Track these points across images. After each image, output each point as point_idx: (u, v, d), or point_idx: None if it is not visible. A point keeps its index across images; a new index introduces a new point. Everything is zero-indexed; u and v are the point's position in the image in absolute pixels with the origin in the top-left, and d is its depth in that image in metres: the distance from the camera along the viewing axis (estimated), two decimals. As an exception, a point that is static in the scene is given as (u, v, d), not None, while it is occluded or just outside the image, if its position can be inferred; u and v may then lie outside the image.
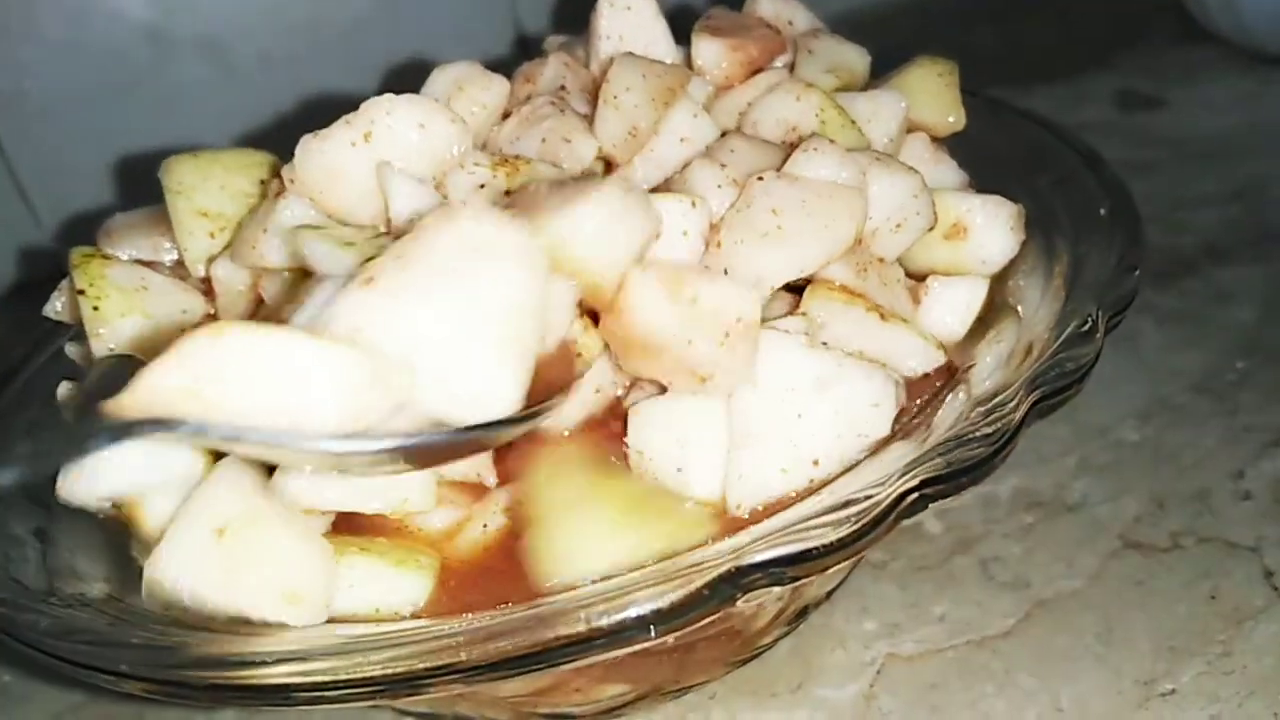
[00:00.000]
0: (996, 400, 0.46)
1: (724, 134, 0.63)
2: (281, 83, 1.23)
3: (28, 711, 0.74)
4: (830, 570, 0.41)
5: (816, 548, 0.40)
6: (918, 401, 0.54)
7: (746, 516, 0.51)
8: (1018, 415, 0.44)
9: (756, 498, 0.51)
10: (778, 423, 0.49)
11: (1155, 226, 1.00)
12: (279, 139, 0.61)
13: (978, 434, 0.44)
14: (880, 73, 0.72)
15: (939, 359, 0.56)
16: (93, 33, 1.17)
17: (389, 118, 0.56)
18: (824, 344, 0.51)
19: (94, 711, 0.72)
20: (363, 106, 0.57)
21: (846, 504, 0.43)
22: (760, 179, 0.54)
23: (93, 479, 0.52)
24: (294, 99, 1.24)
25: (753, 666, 0.66)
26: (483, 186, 0.56)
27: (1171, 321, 0.88)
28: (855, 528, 0.41)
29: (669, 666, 0.57)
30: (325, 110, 0.62)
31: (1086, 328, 0.49)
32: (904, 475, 0.43)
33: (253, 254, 0.56)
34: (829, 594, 0.65)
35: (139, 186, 1.17)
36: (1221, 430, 0.77)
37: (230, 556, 0.49)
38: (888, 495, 0.42)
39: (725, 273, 0.53)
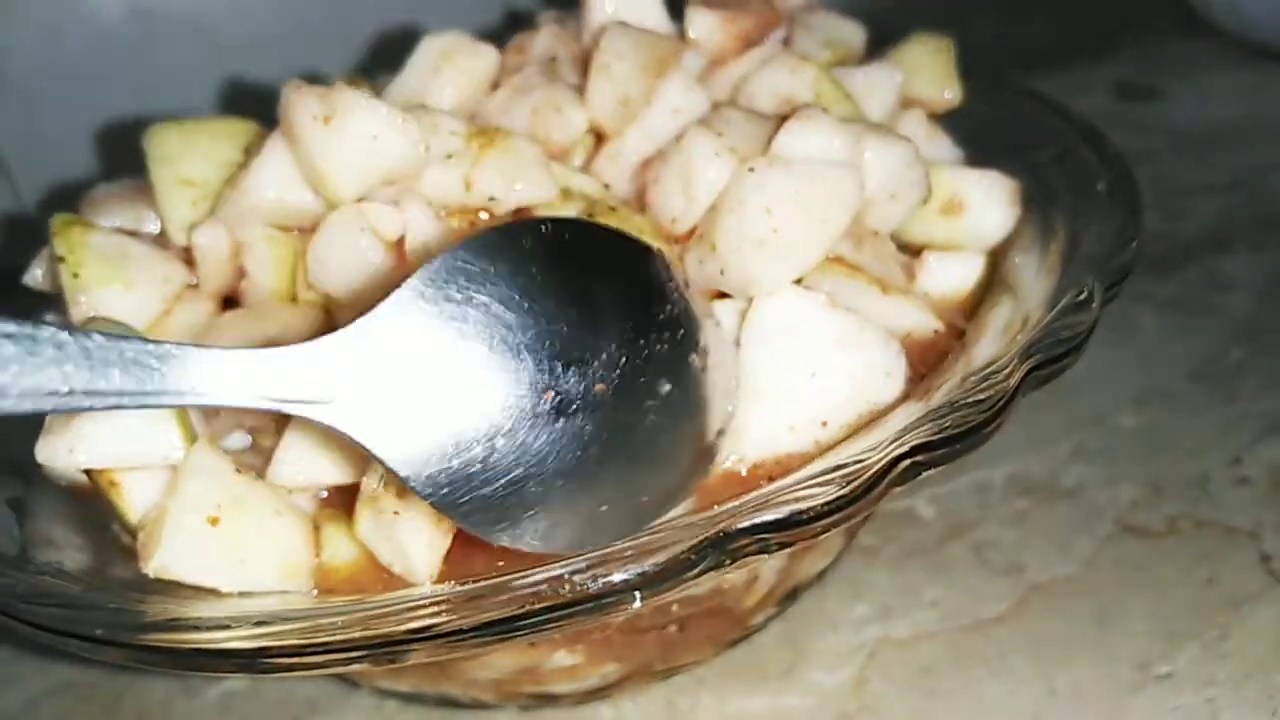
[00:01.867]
0: (990, 368, 0.46)
1: (718, 105, 0.62)
2: (269, 62, 1.22)
3: (4, 696, 0.73)
4: (821, 537, 0.40)
5: (804, 511, 0.39)
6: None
7: (744, 473, 0.50)
8: (1012, 382, 0.43)
9: (758, 453, 0.50)
10: (792, 378, 0.49)
11: (1154, 214, 0.99)
12: (267, 119, 0.60)
13: (970, 400, 0.43)
14: (876, 49, 0.71)
15: (937, 324, 0.55)
16: (77, 12, 1.15)
17: (349, 115, 0.54)
18: (836, 303, 0.50)
19: (74, 695, 0.71)
20: (334, 92, 0.56)
21: (837, 469, 0.41)
22: (751, 170, 0.53)
23: (72, 447, 0.51)
24: (282, 78, 1.22)
25: (742, 649, 0.65)
26: (449, 157, 0.56)
27: (1169, 309, 0.87)
28: (844, 491, 0.40)
29: (657, 645, 0.56)
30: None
31: (1082, 297, 0.48)
32: (896, 441, 0.42)
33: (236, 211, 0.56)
34: (820, 575, 0.64)
35: (122, 167, 1.17)
36: (1219, 416, 0.76)
37: (228, 541, 0.49)
38: (879, 460, 0.41)
39: (721, 274, 0.52)
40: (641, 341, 0.44)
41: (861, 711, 0.60)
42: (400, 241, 0.55)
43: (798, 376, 0.49)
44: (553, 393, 0.42)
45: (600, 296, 0.44)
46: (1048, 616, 0.64)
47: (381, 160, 0.55)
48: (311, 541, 0.50)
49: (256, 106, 0.63)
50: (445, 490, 0.41)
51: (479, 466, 0.41)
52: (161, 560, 0.47)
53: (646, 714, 0.62)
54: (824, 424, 0.49)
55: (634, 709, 0.63)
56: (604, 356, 0.43)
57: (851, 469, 0.41)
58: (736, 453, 0.50)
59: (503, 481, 0.42)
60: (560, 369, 0.42)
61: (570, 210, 0.56)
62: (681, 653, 0.59)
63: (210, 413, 0.54)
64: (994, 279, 0.59)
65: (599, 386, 0.44)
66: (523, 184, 0.57)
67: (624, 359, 0.44)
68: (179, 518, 0.47)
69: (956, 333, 0.55)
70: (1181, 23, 1.31)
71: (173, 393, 0.40)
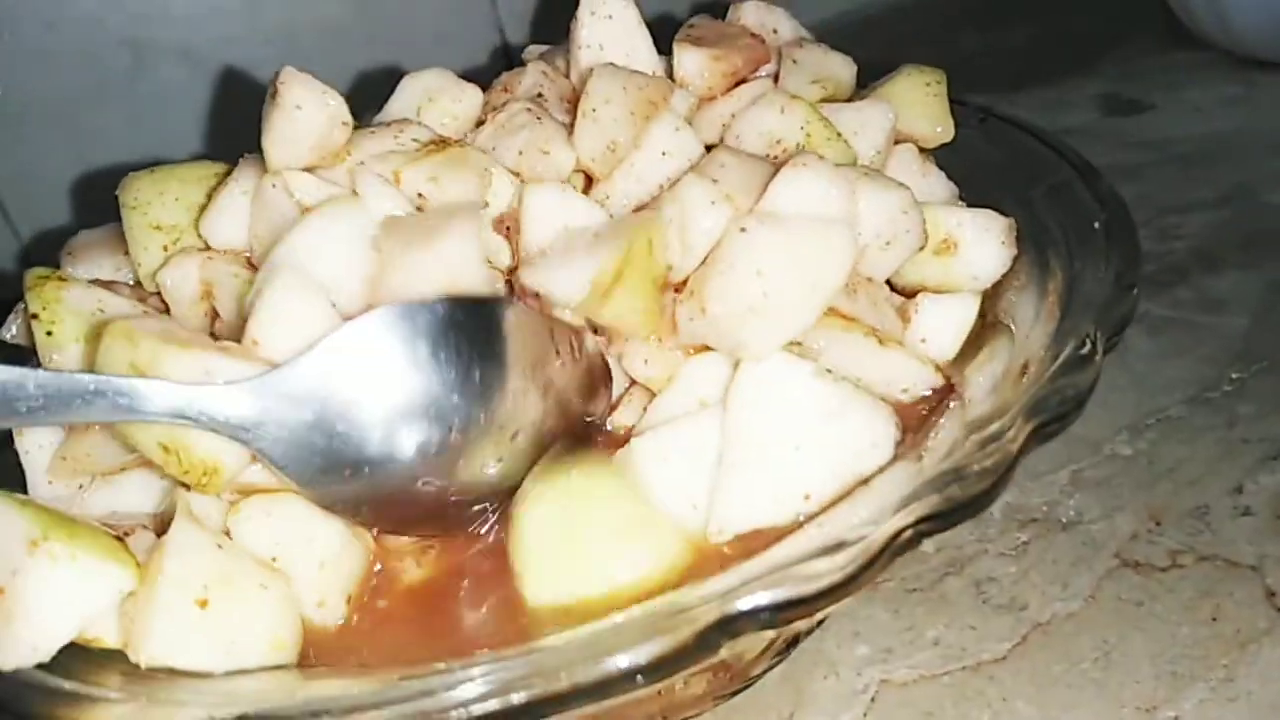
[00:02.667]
0: (993, 429, 0.44)
1: (709, 148, 0.61)
2: (259, 90, 1.21)
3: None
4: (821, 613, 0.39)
5: (810, 594, 0.38)
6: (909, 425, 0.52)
7: (724, 543, 0.49)
8: (1015, 446, 0.43)
9: (740, 525, 0.49)
10: (774, 451, 0.47)
11: (1144, 232, 0.97)
12: (254, 146, 0.60)
13: (975, 468, 0.42)
14: (867, 81, 0.70)
15: (936, 381, 0.54)
16: (69, 38, 1.14)
17: (285, 86, 0.56)
18: (829, 371, 0.49)
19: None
20: (285, 71, 0.57)
21: (840, 545, 0.40)
22: (743, 229, 0.51)
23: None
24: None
25: (743, 695, 0.64)
26: (392, 153, 0.56)
27: (1163, 330, 0.86)
28: (849, 571, 0.39)
29: (656, 704, 0.54)
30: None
31: (1085, 350, 0.47)
32: (900, 511, 0.41)
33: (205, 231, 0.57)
34: (820, 620, 0.63)
35: (112, 195, 1.16)
36: (1218, 443, 0.75)
37: (218, 623, 0.48)
38: (883, 534, 0.40)
39: (710, 335, 0.52)
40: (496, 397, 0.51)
41: (864, 760, 0.59)
42: None
43: (782, 448, 0.48)
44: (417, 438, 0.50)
45: (472, 363, 0.51)
46: (1050, 657, 0.63)
47: (304, 131, 0.56)
48: (297, 614, 0.49)
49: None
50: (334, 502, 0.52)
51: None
52: (152, 651, 0.45)
53: (647, 762, 0.61)
54: (807, 497, 0.48)
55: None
56: (461, 415, 0.50)
57: (856, 547, 0.40)
58: (718, 523, 0.49)
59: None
60: (426, 424, 0.50)
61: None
62: (683, 707, 0.58)
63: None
64: (988, 319, 0.58)
65: (455, 437, 0.51)
66: (451, 186, 0.56)
67: (481, 415, 0.51)
68: (167, 601, 0.46)
69: (950, 383, 0.54)
70: (1166, 33, 1.30)
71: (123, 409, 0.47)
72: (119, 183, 0.62)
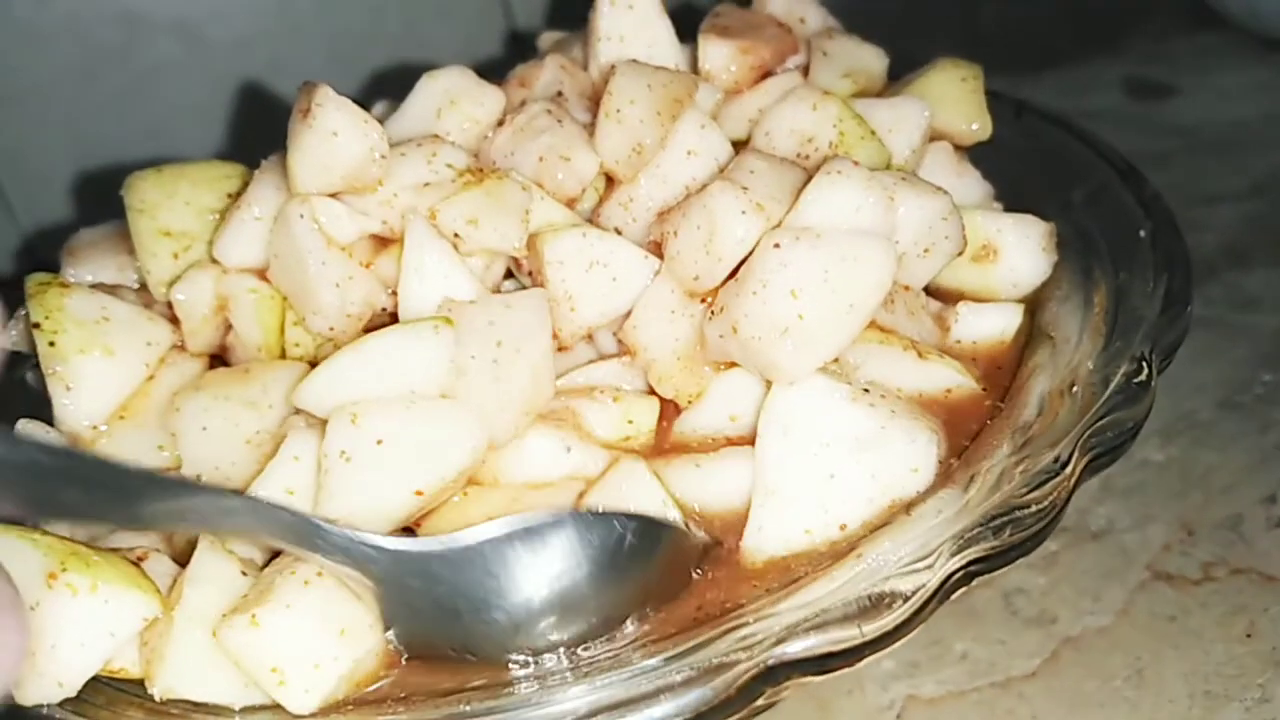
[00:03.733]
0: (1045, 463, 0.42)
1: (737, 147, 0.58)
2: (255, 64, 1.18)
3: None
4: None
5: (860, 646, 0.37)
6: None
7: (758, 567, 0.48)
8: (1071, 482, 0.41)
9: (774, 551, 0.47)
10: (808, 482, 0.45)
11: (1172, 225, 0.96)
12: (252, 122, 0.57)
13: (1031, 508, 0.40)
14: (899, 72, 0.67)
15: (975, 390, 0.51)
16: (62, 14, 1.12)
17: (320, 109, 0.53)
18: (865, 390, 0.47)
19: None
20: (319, 88, 0.54)
21: (888, 594, 0.38)
22: (777, 245, 0.49)
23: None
24: (268, 80, 1.19)
25: (767, 710, 0.63)
26: (426, 185, 0.53)
27: (1192, 330, 0.84)
28: (901, 618, 0.37)
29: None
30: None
31: (1139, 377, 0.45)
32: (955, 554, 0.39)
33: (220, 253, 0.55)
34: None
35: (110, 174, 1.13)
36: (1251, 449, 0.73)
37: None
38: (937, 580, 0.38)
39: (741, 355, 0.50)
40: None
41: (890, 780, 0.58)
42: (348, 247, 0.53)
43: (815, 478, 0.46)
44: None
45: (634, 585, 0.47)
46: (1081, 674, 0.61)
47: (338, 159, 0.53)
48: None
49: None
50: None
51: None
52: (167, 683, 0.44)
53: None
54: (842, 527, 0.46)
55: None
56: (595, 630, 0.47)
57: (912, 597, 0.38)
58: (753, 552, 0.47)
59: None
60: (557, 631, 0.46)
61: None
62: None
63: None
64: (1032, 328, 0.56)
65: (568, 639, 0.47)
66: (488, 231, 0.54)
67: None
68: (184, 634, 0.44)
69: (996, 391, 0.51)
70: (1191, 12, 1.27)
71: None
72: (113, 159, 0.60)
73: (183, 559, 0.49)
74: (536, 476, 0.50)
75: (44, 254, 1.17)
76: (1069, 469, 0.42)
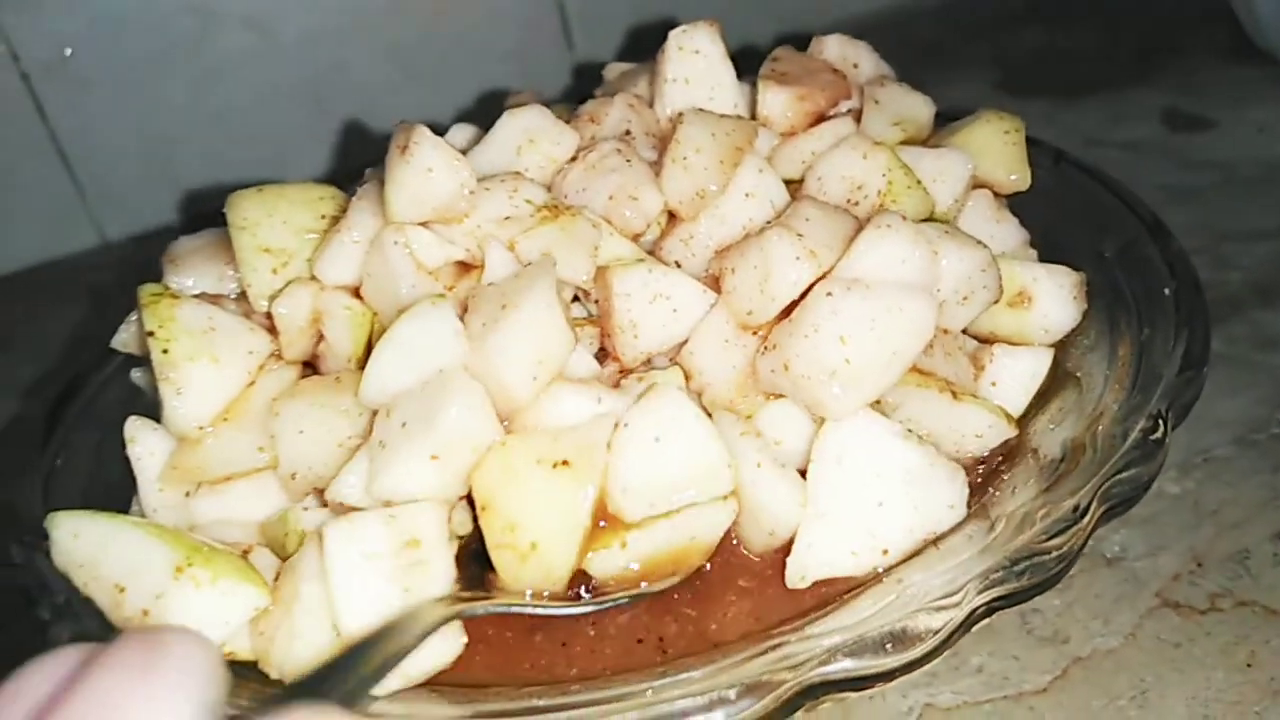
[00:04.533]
0: (1065, 510, 0.47)
1: (790, 186, 0.63)
2: (321, 61, 1.23)
3: None
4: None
5: (892, 671, 0.41)
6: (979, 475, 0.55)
7: (805, 587, 0.52)
8: (1089, 530, 0.45)
9: (819, 573, 0.52)
10: (858, 506, 0.50)
11: (1200, 260, 0.98)
12: (317, 114, 0.60)
13: (1052, 553, 0.45)
14: (944, 111, 0.71)
15: (1010, 434, 0.56)
16: (136, 3, 1.17)
17: (417, 147, 0.58)
18: (910, 430, 0.52)
19: None
20: (416, 128, 0.60)
21: (922, 631, 0.43)
22: (829, 294, 0.54)
23: None
24: (332, 78, 1.23)
25: (790, 711, 0.67)
26: (507, 219, 0.58)
27: (1215, 367, 0.86)
28: (931, 646, 0.42)
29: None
30: (365, 89, 0.60)
31: (1155, 434, 0.49)
32: (981, 592, 0.44)
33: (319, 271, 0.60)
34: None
35: (182, 158, 1.18)
36: (1263, 486, 0.77)
37: None
38: (963, 613, 0.43)
39: (791, 390, 0.54)
40: None
41: (907, 782, 0.62)
42: (435, 271, 0.59)
43: (865, 505, 0.50)
44: None
45: None
46: (1089, 692, 0.66)
47: (431, 193, 0.58)
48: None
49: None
50: None
51: None
52: (296, 669, 0.49)
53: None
54: (885, 552, 0.51)
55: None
56: None
57: (940, 629, 0.43)
58: (799, 569, 0.51)
59: None
60: None
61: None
62: None
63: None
64: (1058, 370, 0.61)
65: None
66: (560, 262, 0.59)
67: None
68: (304, 625, 0.49)
69: (1021, 437, 0.56)
70: (1231, 45, 1.29)
71: None
72: (181, 144, 0.64)
73: (280, 553, 0.55)
74: (569, 422, 0.54)
75: (111, 232, 1.23)
76: (1087, 518, 0.46)
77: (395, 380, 0.54)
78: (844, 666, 0.42)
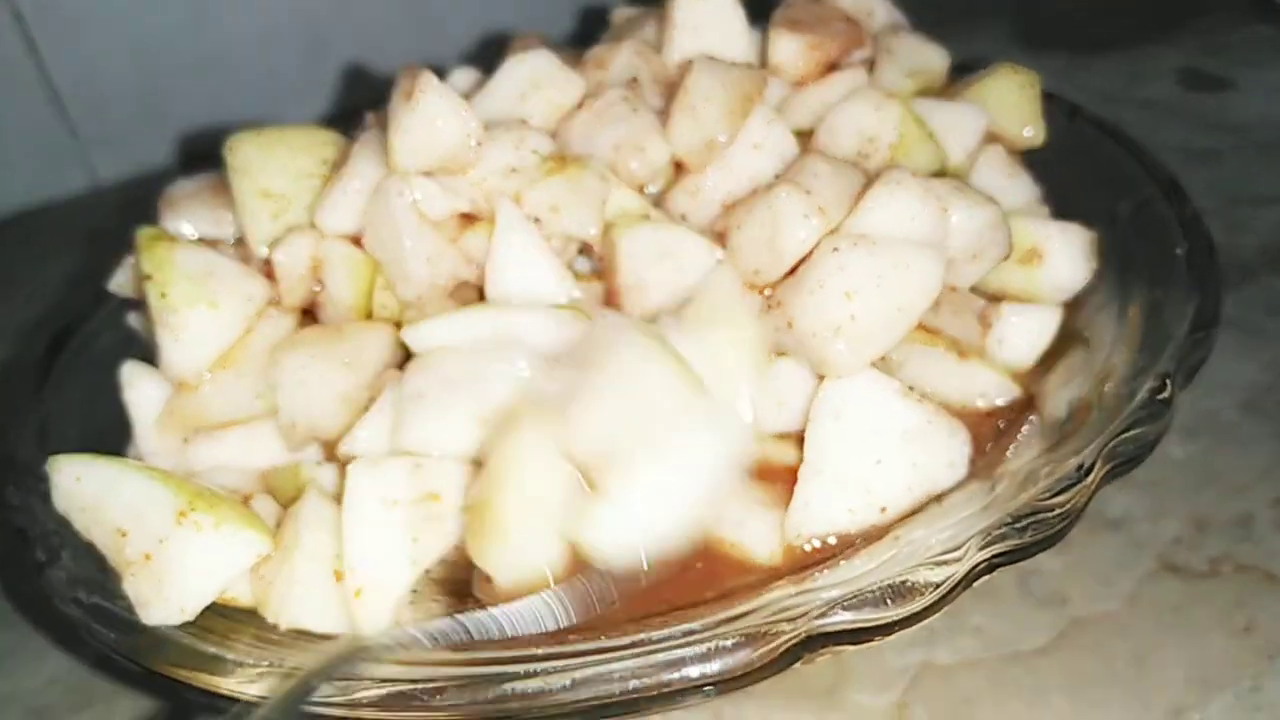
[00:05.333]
0: (1068, 468, 0.46)
1: (800, 137, 0.61)
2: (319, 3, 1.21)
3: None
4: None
5: (894, 620, 0.41)
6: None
7: (806, 548, 0.52)
8: (1092, 489, 0.44)
9: (817, 530, 0.51)
10: (856, 463, 0.50)
11: (1213, 223, 0.96)
12: (316, 54, 0.59)
13: (1055, 511, 0.44)
14: (960, 66, 0.70)
15: (1015, 394, 0.55)
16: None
17: (423, 95, 0.57)
18: (911, 388, 0.51)
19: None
20: (421, 74, 0.58)
21: (922, 585, 0.43)
22: (835, 250, 0.53)
23: (181, 606, 0.51)
24: (335, 13, 1.21)
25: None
26: (514, 170, 0.57)
27: (1225, 331, 0.86)
28: (931, 600, 0.42)
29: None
30: (365, 30, 0.58)
31: (1164, 395, 0.48)
32: (983, 548, 0.43)
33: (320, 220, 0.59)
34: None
35: (178, 99, 1.16)
36: (1269, 452, 0.76)
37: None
38: (964, 569, 0.42)
39: (796, 348, 0.53)
40: None
41: (902, 738, 0.62)
42: (440, 223, 0.58)
43: (862, 462, 0.50)
44: None
45: None
46: (1087, 654, 0.66)
47: (436, 143, 0.57)
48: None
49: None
50: None
51: None
52: (292, 617, 0.49)
53: (693, 723, 0.64)
54: (883, 510, 0.50)
55: (682, 714, 0.65)
56: None
57: (941, 584, 0.42)
58: (796, 526, 0.51)
59: None
60: None
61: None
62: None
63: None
64: (1066, 329, 0.60)
65: None
66: (567, 217, 0.58)
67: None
68: (305, 573, 0.49)
69: (1028, 395, 0.55)
70: (1251, 4, 1.27)
71: None
72: (184, 80, 0.62)
73: (283, 501, 0.55)
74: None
75: (105, 174, 1.22)
76: (1091, 477, 0.46)
77: (445, 337, 0.54)
78: (843, 619, 0.42)
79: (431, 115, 0.55)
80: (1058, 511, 0.45)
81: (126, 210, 0.67)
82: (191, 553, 0.50)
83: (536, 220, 0.56)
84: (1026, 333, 0.58)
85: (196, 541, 0.50)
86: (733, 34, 0.65)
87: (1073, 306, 0.61)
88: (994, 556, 0.44)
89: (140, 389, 0.58)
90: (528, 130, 0.59)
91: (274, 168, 0.61)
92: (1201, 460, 0.77)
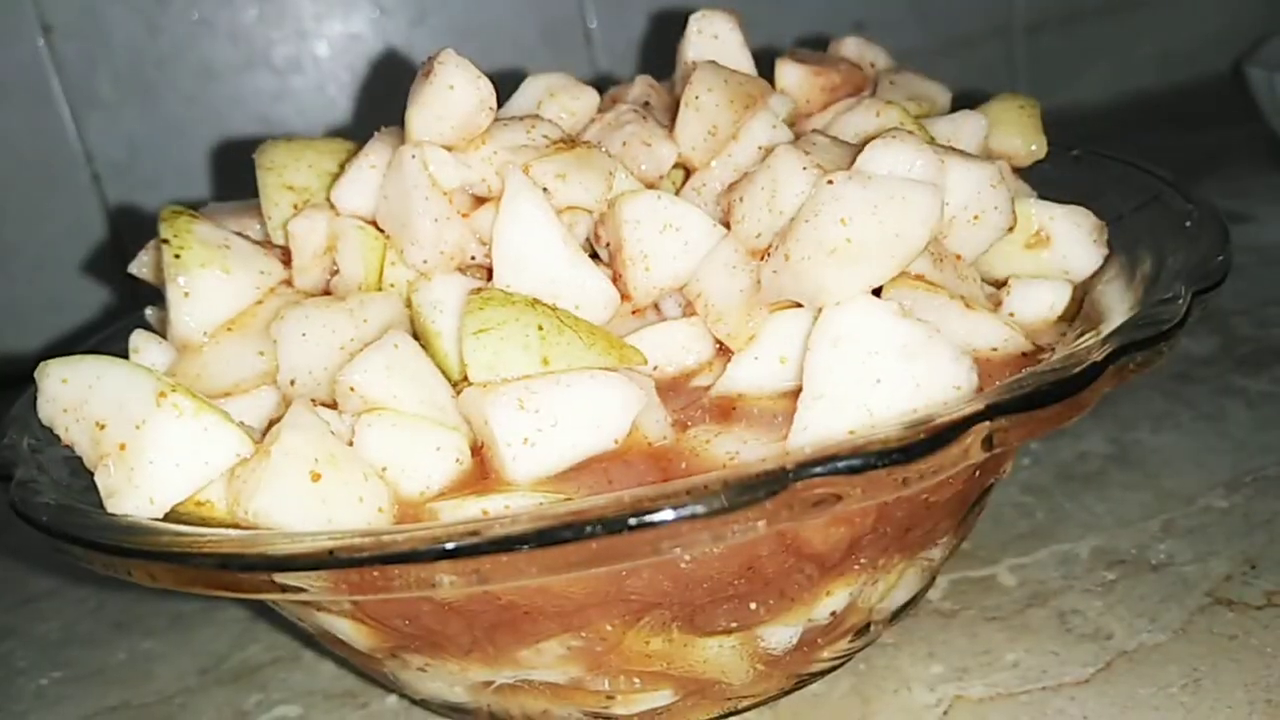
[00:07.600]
0: (1074, 348, 0.44)
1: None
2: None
3: (56, 715, 0.73)
4: (893, 493, 0.39)
5: (873, 454, 0.39)
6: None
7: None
8: (1096, 356, 0.42)
9: (816, 455, 0.49)
10: (855, 384, 0.48)
11: (1243, 320, 0.98)
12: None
13: (1054, 374, 0.42)
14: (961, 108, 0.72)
15: (1025, 345, 0.53)
16: (200, 110, 1.22)
17: (440, 66, 0.60)
18: (910, 310, 0.50)
19: (128, 714, 0.71)
20: (443, 51, 0.61)
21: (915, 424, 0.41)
22: (830, 182, 0.53)
23: (151, 496, 0.50)
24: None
25: (809, 701, 0.62)
26: (523, 146, 0.59)
27: (1262, 403, 0.84)
28: (922, 438, 0.39)
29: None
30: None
31: (1169, 295, 0.47)
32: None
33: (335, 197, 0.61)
34: (893, 617, 0.61)
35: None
36: (1318, 502, 0.72)
37: (323, 496, 0.49)
38: (953, 414, 0.40)
39: (793, 282, 0.53)
40: None
41: (932, 766, 0.56)
42: (449, 193, 0.59)
43: (861, 383, 0.48)
44: None
45: None
46: (1136, 681, 0.60)
47: (452, 110, 0.59)
48: (395, 507, 0.51)
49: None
50: None
51: None
52: (262, 503, 0.47)
53: (706, 753, 0.59)
54: (886, 433, 0.48)
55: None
56: None
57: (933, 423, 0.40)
58: (797, 447, 0.49)
59: None
60: None
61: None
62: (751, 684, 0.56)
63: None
64: (1077, 315, 0.59)
65: None
66: (575, 185, 0.59)
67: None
68: (282, 465, 0.47)
69: (1038, 348, 0.54)
70: (1272, 157, 1.31)
71: None
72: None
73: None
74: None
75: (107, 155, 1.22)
76: (1092, 349, 0.43)
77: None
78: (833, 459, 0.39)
79: (447, 84, 0.58)
80: (1062, 375, 0.42)
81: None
82: (168, 438, 0.48)
83: (545, 190, 0.58)
84: (1036, 303, 0.57)
85: (175, 427, 0.48)
86: (739, 65, 0.68)
87: (1082, 289, 0.60)
88: (990, 408, 0.41)
89: (146, 355, 0.59)
90: (540, 121, 0.62)
91: (300, 166, 0.64)
92: (1247, 510, 0.73)
